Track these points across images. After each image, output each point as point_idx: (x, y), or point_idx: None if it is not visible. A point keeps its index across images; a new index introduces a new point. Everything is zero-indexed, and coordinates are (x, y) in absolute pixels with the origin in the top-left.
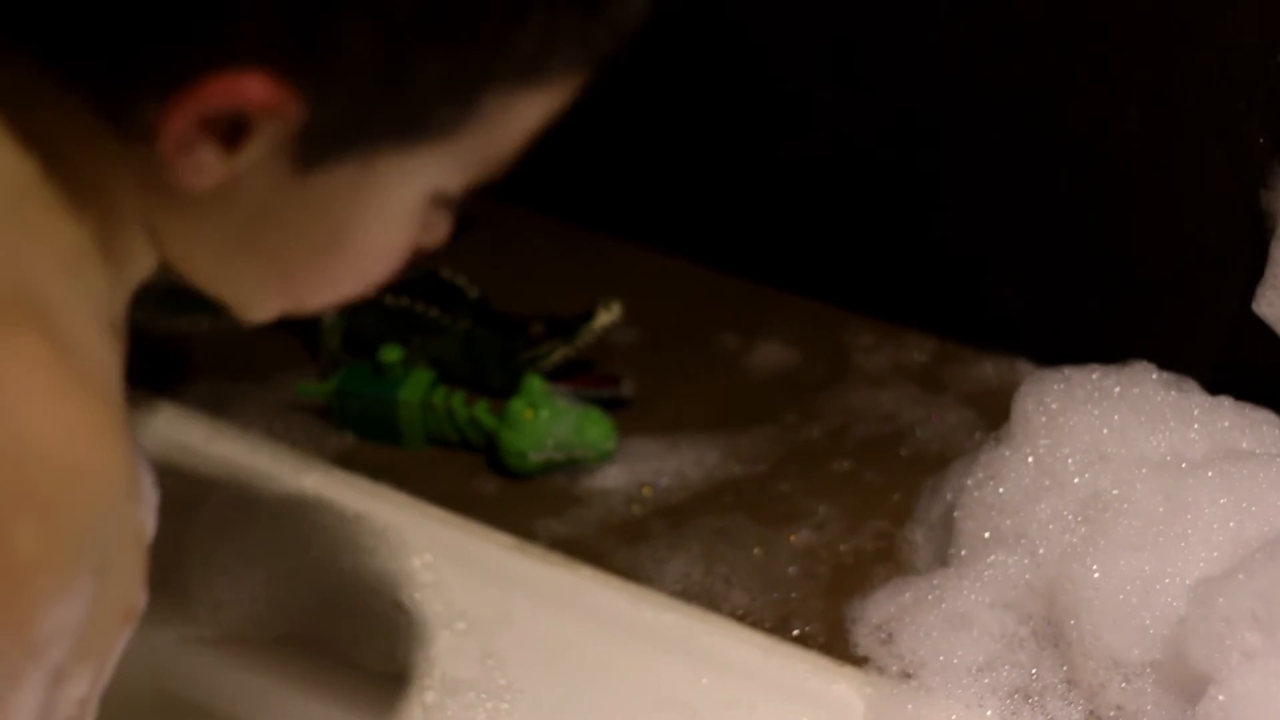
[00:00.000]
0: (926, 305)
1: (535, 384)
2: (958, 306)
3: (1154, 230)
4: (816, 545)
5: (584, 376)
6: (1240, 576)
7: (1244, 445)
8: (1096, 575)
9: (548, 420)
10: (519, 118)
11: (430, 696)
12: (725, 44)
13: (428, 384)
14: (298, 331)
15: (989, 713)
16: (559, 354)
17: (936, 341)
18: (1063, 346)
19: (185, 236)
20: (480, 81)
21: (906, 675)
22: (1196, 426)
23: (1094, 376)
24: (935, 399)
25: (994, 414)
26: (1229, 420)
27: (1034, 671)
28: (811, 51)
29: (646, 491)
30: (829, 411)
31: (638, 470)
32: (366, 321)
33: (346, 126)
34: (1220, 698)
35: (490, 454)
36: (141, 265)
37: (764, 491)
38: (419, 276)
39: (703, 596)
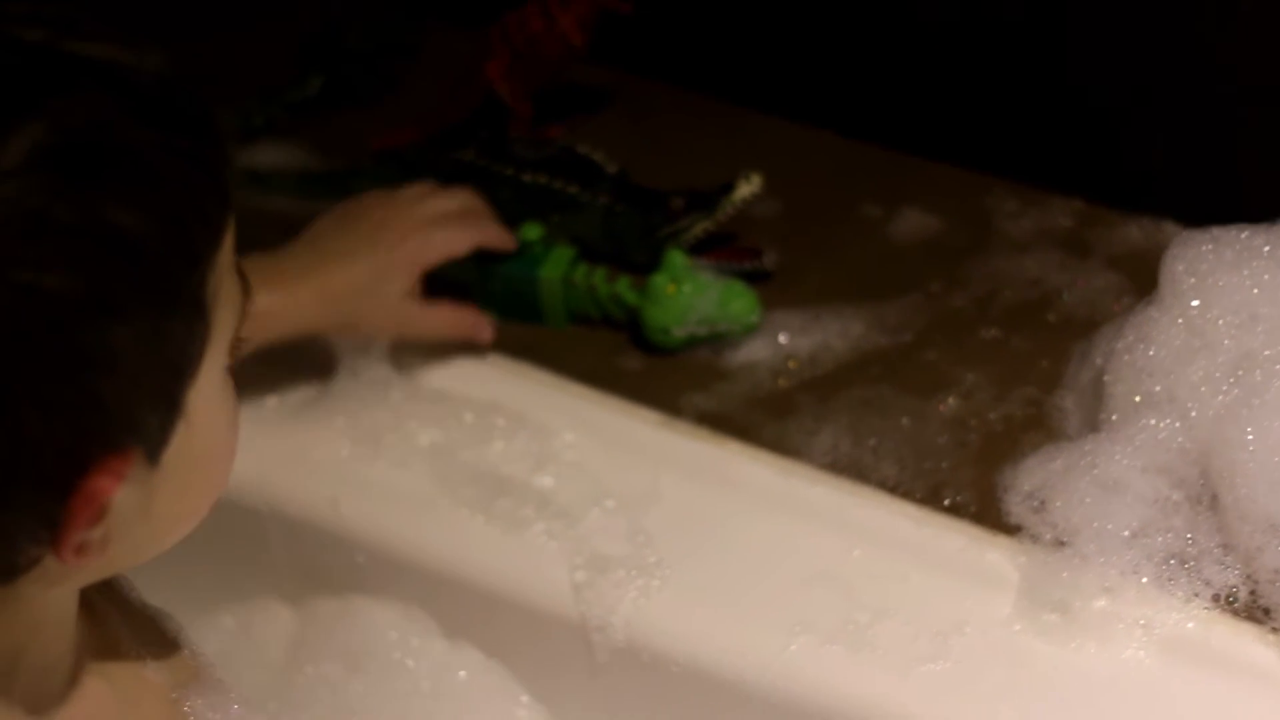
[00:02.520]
0: (1070, 167)
1: (677, 258)
2: (1101, 168)
3: None
4: (965, 414)
5: (726, 249)
6: None
7: None
8: (1251, 437)
9: (690, 295)
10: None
11: (581, 575)
12: None
13: (568, 261)
14: None
15: (1144, 579)
16: (699, 227)
17: (1081, 204)
18: (1210, 205)
19: (110, 567)
20: (202, 279)
21: (1060, 543)
22: None
23: (1243, 236)
24: (1081, 263)
25: (1141, 277)
26: None
27: (1189, 536)
28: None
29: (792, 364)
30: (974, 279)
31: (783, 343)
32: (505, 199)
33: (158, 420)
34: None
35: (633, 330)
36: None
37: (910, 361)
38: (557, 152)
39: (852, 468)
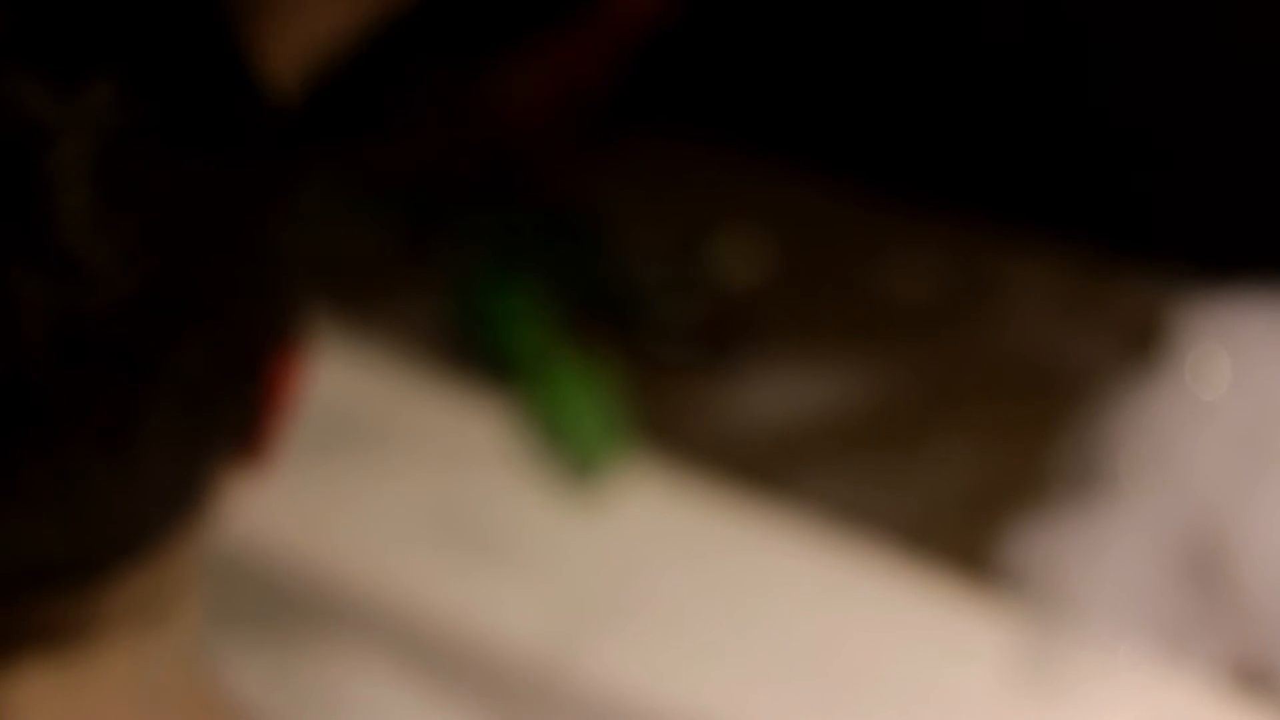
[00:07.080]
0: (1074, 231)
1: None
2: (1107, 232)
3: None
4: (955, 479)
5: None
6: None
7: None
8: (1251, 512)
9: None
10: None
11: (551, 624)
12: None
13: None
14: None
15: (1135, 650)
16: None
17: (1084, 269)
18: (1217, 274)
19: None
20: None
21: (1050, 612)
22: None
23: (1249, 309)
24: (1081, 328)
25: (1143, 345)
26: None
27: (1182, 609)
28: None
29: (776, 423)
30: (969, 341)
31: (772, 403)
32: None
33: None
34: None
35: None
36: None
37: (898, 423)
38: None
39: (834, 530)
